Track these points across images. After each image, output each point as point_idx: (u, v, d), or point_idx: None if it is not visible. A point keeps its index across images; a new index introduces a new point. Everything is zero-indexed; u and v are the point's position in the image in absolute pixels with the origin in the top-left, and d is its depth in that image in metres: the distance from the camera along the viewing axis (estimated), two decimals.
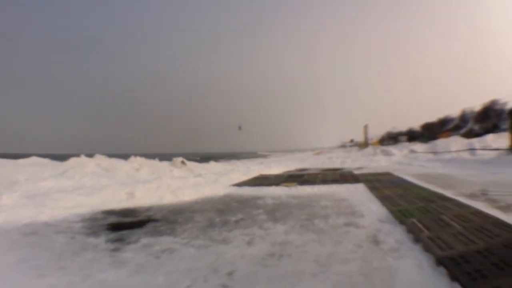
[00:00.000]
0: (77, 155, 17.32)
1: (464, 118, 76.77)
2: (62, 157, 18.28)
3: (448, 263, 3.68)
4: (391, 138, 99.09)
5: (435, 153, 31.77)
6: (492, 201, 7.51)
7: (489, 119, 65.42)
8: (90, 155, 17.74)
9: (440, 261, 3.77)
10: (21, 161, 16.53)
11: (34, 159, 17.34)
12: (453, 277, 3.37)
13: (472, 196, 8.34)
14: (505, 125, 41.26)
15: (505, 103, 56.97)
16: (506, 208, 6.78)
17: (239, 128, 68.68)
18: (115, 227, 6.39)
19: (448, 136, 53.77)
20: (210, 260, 4.32)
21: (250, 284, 3.57)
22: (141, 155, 21.15)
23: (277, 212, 7.48)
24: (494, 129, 54.26)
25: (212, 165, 25.42)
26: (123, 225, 6.61)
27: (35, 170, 14.05)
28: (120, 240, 5.47)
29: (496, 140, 29.72)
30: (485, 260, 3.72)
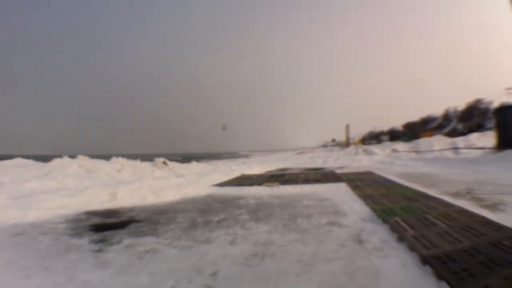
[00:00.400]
0: (60, 156, 17.24)
1: (447, 117, 77.61)
2: (45, 158, 18.09)
3: (434, 262, 3.68)
4: (373, 138, 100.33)
5: (417, 152, 31.87)
6: (478, 200, 7.53)
7: (473, 118, 66.09)
8: (72, 156, 17.66)
9: (425, 260, 3.78)
10: (6, 162, 16.41)
11: (18, 161, 17.20)
12: (440, 276, 3.38)
13: (456, 195, 8.35)
14: (490, 124, 41.66)
15: (490, 102, 57.58)
16: (492, 206, 6.80)
17: (224, 128, 67.79)
18: (98, 228, 6.36)
19: (431, 135, 54.15)
20: (193, 261, 4.31)
21: (234, 285, 3.56)
22: (123, 155, 21.10)
23: (259, 212, 7.47)
24: (479, 128, 54.82)
25: (194, 165, 25.35)
26: (106, 226, 6.57)
27: (19, 171, 13.93)
28: (103, 241, 5.44)
29: (481, 139, 29.92)
30: (472, 259, 3.73)
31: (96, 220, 7.11)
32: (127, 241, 5.35)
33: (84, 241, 5.41)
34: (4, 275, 3.97)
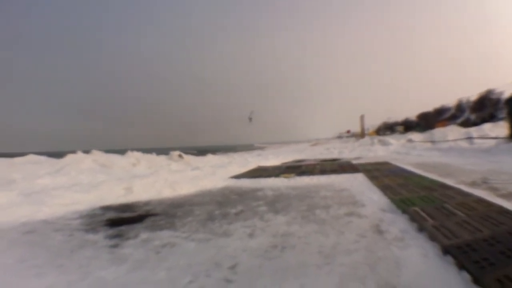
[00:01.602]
0: (74, 152, 17.30)
1: (460, 108, 77.40)
2: (59, 154, 18.21)
3: (455, 251, 3.65)
4: (388, 128, 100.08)
5: (432, 142, 31.62)
6: (494, 189, 7.44)
7: (485, 108, 65.87)
8: (87, 151, 17.73)
9: (446, 250, 3.74)
10: (18, 159, 16.51)
11: (30, 157, 17.32)
12: (461, 266, 3.34)
13: (473, 184, 8.27)
14: (503, 114, 41.37)
15: (501, 93, 57.29)
16: (508, 196, 6.72)
17: (250, 119, 61.13)
18: (114, 223, 6.35)
19: (444, 125, 53.73)
20: (212, 254, 4.27)
21: (254, 278, 3.51)
22: (138, 149, 21.24)
23: (277, 203, 7.44)
24: (491, 118, 54.54)
25: (210, 158, 25.44)
26: (122, 220, 6.56)
27: (31, 168, 14.02)
28: (119, 236, 5.42)
29: (494, 129, 29.64)
30: (492, 248, 3.70)
31: (112, 215, 7.11)
32: (143, 235, 5.33)
33: (99, 237, 5.39)
34: (15, 274, 3.94)
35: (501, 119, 38.95)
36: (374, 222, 5.36)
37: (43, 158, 17.57)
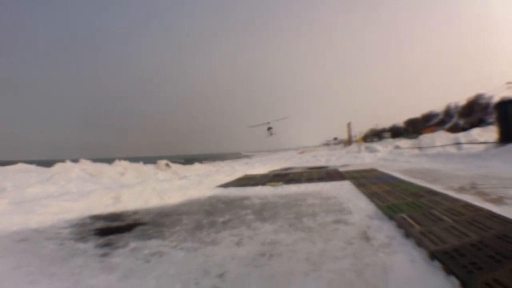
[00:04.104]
0: (62, 161, 17.29)
1: (448, 113, 77.53)
2: (48, 163, 18.21)
3: (443, 257, 3.68)
4: (375, 135, 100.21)
5: (420, 148, 31.72)
6: (483, 194, 7.49)
7: (474, 113, 66.04)
8: (75, 160, 17.70)
9: (434, 255, 3.77)
10: (8, 167, 16.45)
11: (20, 166, 17.29)
12: (449, 271, 3.37)
13: (461, 189, 8.31)
14: (492, 118, 41.57)
15: (490, 97, 57.60)
16: (497, 200, 6.76)
17: (269, 129, 49.63)
18: (103, 232, 6.34)
19: (432, 131, 53.95)
20: (200, 262, 4.29)
21: (242, 285, 3.54)
22: (125, 158, 21.22)
23: (265, 211, 7.46)
24: (480, 123, 54.73)
25: (197, 166, 25.48)
26: (111, 229, 6.56)
27: (22, 176, 14.01)
28: (108, 244, 5.42)
29: (482, 134, 29.81)
30: (480, 252, 3.73)
31: (101, 224, 7.10)
32: (132, 244, 5.34)
33: (89, 246, 5.40)
34: (8, 281, 3.94)
35: (490, 123, 39.20)
36: (361, 229, 5.39)
37: (32, 167, 17.53)
